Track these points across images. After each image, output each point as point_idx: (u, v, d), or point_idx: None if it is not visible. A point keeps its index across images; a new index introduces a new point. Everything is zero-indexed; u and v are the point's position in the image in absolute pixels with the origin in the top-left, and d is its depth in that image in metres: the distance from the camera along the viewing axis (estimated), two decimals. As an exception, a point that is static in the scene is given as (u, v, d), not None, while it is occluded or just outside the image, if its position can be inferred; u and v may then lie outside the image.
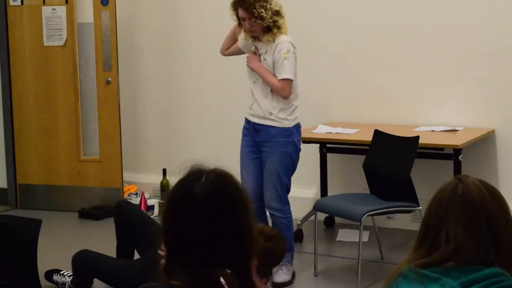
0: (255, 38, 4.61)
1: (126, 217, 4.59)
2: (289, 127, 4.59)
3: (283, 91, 4.51)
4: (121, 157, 6.32)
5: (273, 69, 4.53)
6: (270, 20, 4.45)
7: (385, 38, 5.70)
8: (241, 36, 4.71)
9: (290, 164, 4.64)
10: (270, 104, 4.58)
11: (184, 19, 6.45)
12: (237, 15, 4.58)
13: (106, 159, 6.35)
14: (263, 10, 4.43)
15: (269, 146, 4.61)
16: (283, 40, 4.52)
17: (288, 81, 4.51)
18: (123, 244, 4.63)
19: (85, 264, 4.50)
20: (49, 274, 4.73)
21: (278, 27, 4.50)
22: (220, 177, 1.84)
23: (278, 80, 4.51)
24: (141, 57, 6.66)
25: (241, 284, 1.81)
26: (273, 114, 4.58)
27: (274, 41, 4.51)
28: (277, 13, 4.49)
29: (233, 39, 4.82)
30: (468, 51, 5.45)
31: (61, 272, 4.70)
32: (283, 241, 3.59)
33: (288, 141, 4.60)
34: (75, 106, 6.41)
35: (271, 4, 4.47)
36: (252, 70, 4.61)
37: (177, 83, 6.56)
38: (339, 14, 5.84)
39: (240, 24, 4.62)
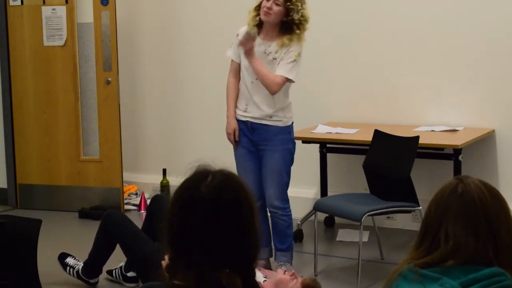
0: (260, 28, 4.53)
1: (157, 210, 4.59)
2: (289, 125, 4.63)
3: (276, 86, 4.45)
4: (121, 157, 6.32)
5: (276, 64, 4.49)
6: (297, 19, 4.40)
7: (385, 38, 5.70)
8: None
9: (290, 160, 4.66)
10: (270, 106, 4.57)
11: (184, 19, 6.45)
12: None
13: (106, 159, 6.35)
14: (299, 4, 4.40)
15: (269, 144, 4.60)
16: (297, 44, 4.50)
17: (286, 81, 4.49)
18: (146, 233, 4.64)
19: (116, 221, 4.49)
20: (63, 256, 4.77)
21: (298, 36, 4.44)
22: (227, 178, 1.84)
23: (278, 75, 4.46)
24: (141, 57, 6.66)
25: (245, 285, 1.80)
26: (274, 116, 4.58)
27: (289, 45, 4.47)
28: (305, 20, 4.43)
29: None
30: (468, 51, 5.45)
31: (76, 258, 4.74)
32: None
33: (288, 138, 4.64)
34: (75, 106, 6.42)
35: (304, 9, 4.42)
36: (247, 53, 4.42)
37: (177, 83, 6.56)
38: (339, 14, 5.84)
39: (257, 6, 4.50)
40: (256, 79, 4.54)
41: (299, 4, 4.41)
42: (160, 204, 4.65)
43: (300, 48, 4.50)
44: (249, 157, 4.68)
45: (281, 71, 4.46)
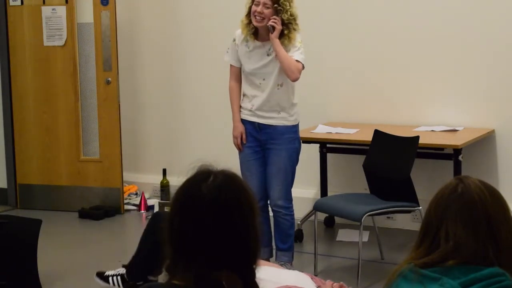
0: (254, 34, 4.58)
1: (156, 227, 4.49)
2: (295, 124, 4.66)
3: (298, 72, 4.49)
4: (121, 157, 6.31)
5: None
6: (286, 19, 4.44)
7: (385, 38, 5.70)
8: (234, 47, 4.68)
9: (296, 160, 4.68)
10: (280, 100, 4.58)
11: (184, 19, 6.45)
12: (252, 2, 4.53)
13: (106, 159, 6.35)
14: (287, 4, 4.44)
15: (276, 143, 4.61)
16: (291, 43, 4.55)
17: (301, 64, 4.52)
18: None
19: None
20: (99, 274, 4.50)
21: (289, 37, 4.48)
22: (228, 178, 1.84)
23: (296, 59, 4.50)
24: (141, 57, 6.66)
25: (245, 285, 1.80)
26: (283, 111, 4.59)
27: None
28: (294, 19, 4.48)
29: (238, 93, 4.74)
30: (468, 51, 5.45)
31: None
32: None
33: (295, 137, 4.66)
34: (75, 106, 6.41)
35: (292, 7, 4.47)
36: (275, 35, 4.45)
37: (177, 83, 6.56)
38: (339, 14, 5.84)
39: (248, 14, 4.56)
40: (264, 79, 4.57)
41: (287, 4, 4.47)
42: (158, 221, 4.53)
43: (299, 36, 4.55)
44: (254, 156, 4.69)
45: (295, 58, 4.51)
